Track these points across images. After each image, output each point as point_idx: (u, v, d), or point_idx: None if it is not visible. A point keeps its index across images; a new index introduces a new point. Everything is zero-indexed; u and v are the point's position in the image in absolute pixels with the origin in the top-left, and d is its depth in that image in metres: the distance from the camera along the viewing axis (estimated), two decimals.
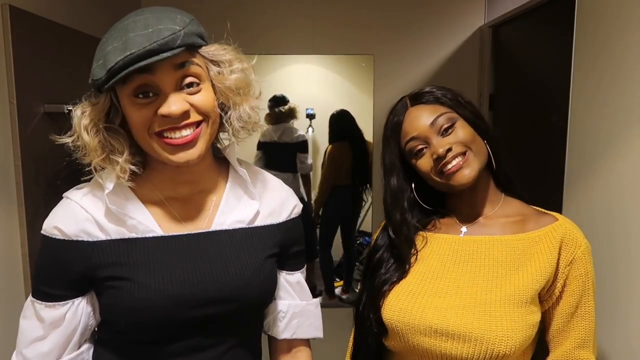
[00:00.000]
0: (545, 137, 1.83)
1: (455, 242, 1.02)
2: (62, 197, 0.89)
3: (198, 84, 0.82)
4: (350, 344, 1.12)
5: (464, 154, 0.96)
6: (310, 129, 3.30)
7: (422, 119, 0.98)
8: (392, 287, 1.00)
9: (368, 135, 2.92)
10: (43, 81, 1.50)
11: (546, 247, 0.94)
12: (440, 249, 1.02)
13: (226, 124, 0.88)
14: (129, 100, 0.81)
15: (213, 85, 0.85)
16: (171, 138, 0.81)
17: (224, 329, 0.91)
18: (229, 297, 0.88)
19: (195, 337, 0.88)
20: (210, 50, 0.84)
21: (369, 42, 2.47)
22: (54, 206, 0.88)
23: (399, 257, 1.02)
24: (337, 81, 3.28)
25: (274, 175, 1.04)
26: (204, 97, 0.83)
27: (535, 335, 0.96)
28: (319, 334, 1.06)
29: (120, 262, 0.84)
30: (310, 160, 3.27)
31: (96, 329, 0.93)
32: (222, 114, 0.87)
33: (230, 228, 0.92)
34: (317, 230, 3.27)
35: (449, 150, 0.95)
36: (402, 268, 1.02)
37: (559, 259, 0.94)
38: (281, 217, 0.98)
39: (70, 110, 1.47)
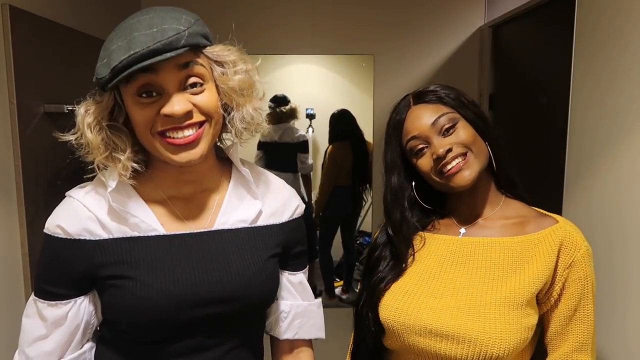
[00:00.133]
0: (545, 137, 1.83)
1: (453, 243, 1.01)
2: (63, 197, 0.89)
3: (201, 84, 0.82)
4: (351, 342, 1.12)
5: (464, 155, 0.96)
6: (310, 129, 3.30)
7: (423, 119, 0.98)
8: (389, 286, 1.00)
9: (368, 135, 2.92)
10: (43, 81, 1.50)
11: (545, 249, 0.94)
12: (438, 250, 1.02)
13: (229, 125, 0.88)
14: (132, 99, 0.81)
15: (217, 86, 0.85)
16: (174, 138, 0.81)
17: (226, 329, 0.91)
18: (231, 297, 0.88)
19: (197, 336, 0.88)
20: (215, 50, 0.84)
21: (369, 41, 2.47)
22: (54, 206, 0.88)
23: (396, 255, 1.02)
24: (337, 81, 3.28)
25: (275, 175, 1.04)
26: (207, 98, 0.83)
27: (533, 337, 0.96)
28: (321, 334, 1.06)
29: (122, 261, 0.84)
30: (310, 161, 3.27)
31: (98, 328, 0.93)
32: (225, 115, 0.87)
33: (233, 227, 0.92)
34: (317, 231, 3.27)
35: (449, 150, 0.95)
36: (398, 266, 1.02)
37: (557, 262, 0.93)
38: (284, 217, 0.98)
39: (70, 110, 1.49)
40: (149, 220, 0.87)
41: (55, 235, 0.85)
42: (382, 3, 2.45)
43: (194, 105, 0.82)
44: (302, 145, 3.22)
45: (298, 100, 3.19)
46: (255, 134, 0.92)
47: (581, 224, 1.01)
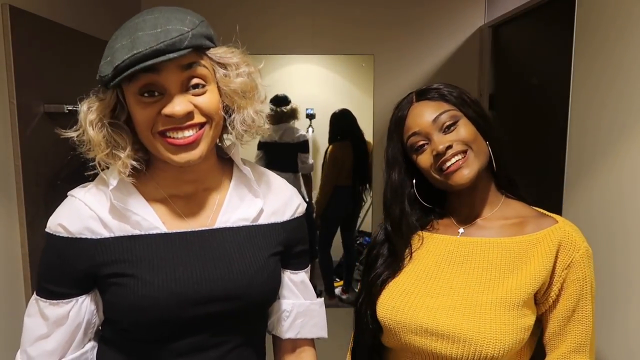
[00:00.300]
0: (545, 137, 1.83)
1: (452, 243, 1.01)
2: (63, 196, 0.89)
3: (204, 86, 0.83)
4: (351, 340, 1.12)
5: (464, 152, 0.96)
6: (310, 129, 3.30)
7: (425, 115, 0.98)
8: (386, 284, 1.00)
9: (368, 135, 2.92)
10: (43, 81, 1.50)
11: (543, 249, 0.94)
12: (436, 250, 1.02)
13: (229, 127, 0.89)
14: (134, 98, 0.81)
15: (219, 88, 0.85)
16: (174, 138, 0.82)
17: (228, 328, 0.91)
18: (232, 295, 0.88)
19: (199, 336, 0.88)
20: (218, 52, 0.84)
21: (369, 42, 2.47)
22: (54, 206, 0.88)
23: (394, 252, 1.03)
24: (337, 81, 3.29)
25: (276, 174, 1.04)
26: (209, 99, 0.83)
27: (533, 337, 0.96)
28: (324, 333, 1.06)
29: (123, 259, 0.85)
30: (311, 160, 3.28)
31: (100, 328, 0.93)
32: (226, 117, 0.88)
33: (234, 226, 0.92)
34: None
35: (449, 147, 0.95)
36: (395, 263, 1.02)
37: (556, 262, 0.93)
38: (285, 215, 0.98)
39: (70, 110, 1.49)
40: (150, 219, 0.87)
41: (57, 234, 0.85)
42: (382, 3, 2.45)
43: (195, 106, 0.82)
44: (303, 145, 3.23)
45: (298, 100, 3.20)
46: (256, 137, 0.92)
47: (581, 224, 1.01)
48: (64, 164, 1.55)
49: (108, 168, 0.86)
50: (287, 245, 0.98)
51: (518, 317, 0.90)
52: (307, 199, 3.28)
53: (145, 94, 0.80)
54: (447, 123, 0.97)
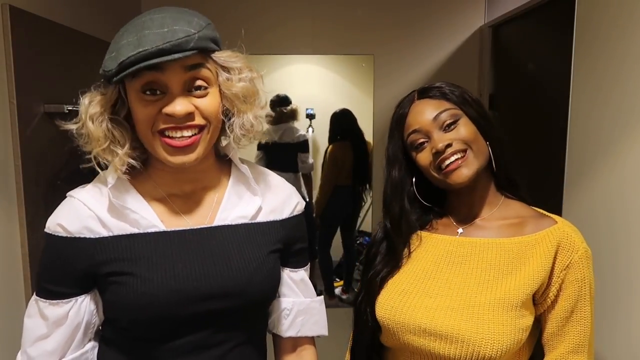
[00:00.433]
0: (545, 137, 1.83)
1: (450, 243, 1.01)
2: (63, 197, 0.89)
3: (206, 88, 0.83)
4: (351, 338, 1.12)
5: (464, 152, 0.96)
6: (310, 129, 3.30)
7: (425, 113, 0.98)
8: (385, 282, 1.00)
9: (368, 135, 2.92)
10: (43, 81, 1.50)
11: (542, 250, 0.93)
12: (435, 249, 1.02)
13: (227, 130, 0.89)
14: (136, 95, 0.82)
15: (220, 91, 0.86)
16: (172, 138, 0.82)
17: (228, 327, 0.91)
18: (231, 292, 0.88)
19: (199, 334, 0.88)
20: (223, 56, 0.85)
21: (369, 42, 2.47)
22: (54, 206, 0.89)
23: (393, 250, 1.03)
24: (337, 81, 3.28)
25: (275, 173, 1.04)
26: (210, 102, 0.84)
27: (532, 337, 0.96)
28: (324, 331, 1.06)
29: (122, 258, 0.85)
30: (311, 160, 3.27)
31: (100, 327, 0.93)
32: (225, 120, 0.88)
33: (233, 223, 0.92)
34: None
35: (449, 145, 0.95)
36: (394, 260, 1.02)
37: (554, 263, 0.93)
38: (284, 213, 0.98)
39: (70, 110, 1.48)
40: (149, 217, 0.88)
41: (56, 234, 0.85)
42: (382, 3, 2.45)
43: (196, 107, 0.83)
44: (303, 145, 3.22)
45: (298, 101, 3.19)
46: (254, 141, 0.93)
47: (582, 225, 1.01)
48: (63, 164, 1.55)
49: (104, 163, 0.87)
50: (286, 243, 0.98)
51: (516, 318, 0.90)
52: (307, 199, 3.28)
53: (148, 92, 0.81)
54: (448, 121, 0.97)
